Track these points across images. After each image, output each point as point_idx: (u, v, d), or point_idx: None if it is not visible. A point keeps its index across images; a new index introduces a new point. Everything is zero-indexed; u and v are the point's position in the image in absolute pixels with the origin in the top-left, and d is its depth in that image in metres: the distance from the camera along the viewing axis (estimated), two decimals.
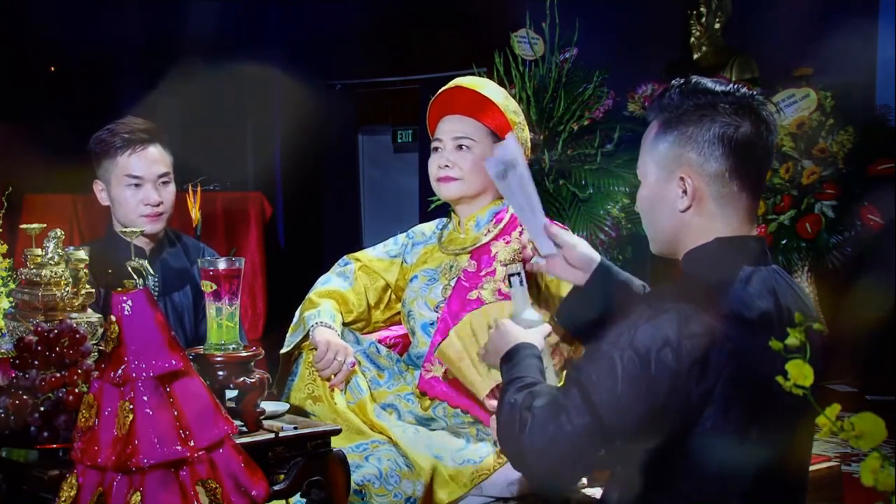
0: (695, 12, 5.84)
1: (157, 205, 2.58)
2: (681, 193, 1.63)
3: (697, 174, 1.62)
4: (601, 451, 1.54)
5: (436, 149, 2.46)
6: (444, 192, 2.45)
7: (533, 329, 1.88)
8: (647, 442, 1.55)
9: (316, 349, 2.30)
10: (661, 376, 1.49)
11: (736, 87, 1.66)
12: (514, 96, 3.91)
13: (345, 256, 2.58)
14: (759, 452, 1.53)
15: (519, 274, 1.98)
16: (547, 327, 1.92)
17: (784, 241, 4.84)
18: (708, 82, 1.66)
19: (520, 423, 1.57)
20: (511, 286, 1.99)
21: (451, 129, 2.43)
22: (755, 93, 1.66)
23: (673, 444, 1.53)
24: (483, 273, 2.38)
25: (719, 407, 1.51)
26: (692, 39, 5.86)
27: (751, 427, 1.53)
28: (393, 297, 2.55)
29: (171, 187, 2.62)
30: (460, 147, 2.41)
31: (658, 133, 1.67)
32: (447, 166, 2.41)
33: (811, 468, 2.43)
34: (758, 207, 1.67)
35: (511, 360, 1.78)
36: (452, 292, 2.39)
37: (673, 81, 1.69)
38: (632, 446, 1.57)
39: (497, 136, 2.41)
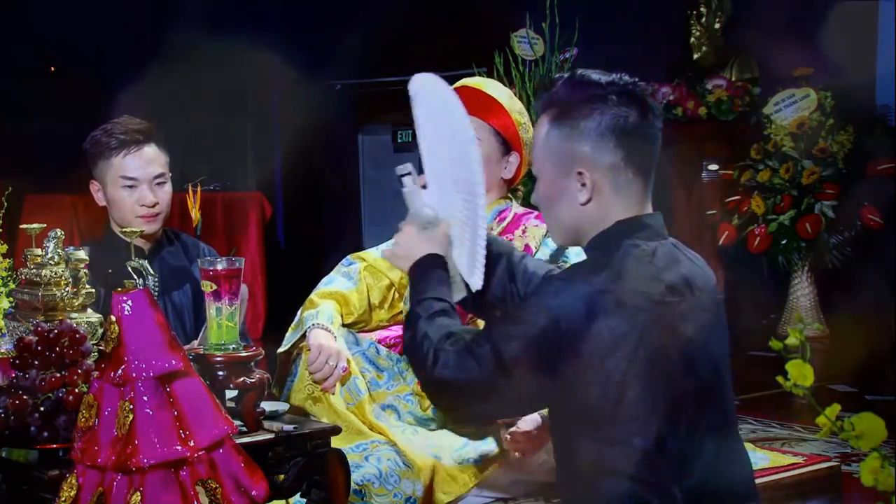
0: (695, 12, 5.84)
1: (153, 205, 2.57)
2: (580, 187, 1.67)
3: (594, 167, 1.66)
4: (506, 401, 1.64)
5: None
6: None
7: (435, 230, 1.86)
8: (557, 405, 1.64)
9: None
10: (571, 349, 1.55)
11: (619, 76, 1.69)
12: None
13: (349, 256, 2.58)
14: (677, 422, 1.58)
15: (410, 174, 1.93)
16: (446, 223, 1.88)
17: (784, 241, 4.85)
18: (593, 74, 1.70)
19: (432, 359, 1.64)
20: (404, 186, 1.94)
21: None
22: (637, 80, 1.70)
23: (594, 417, 1.58)
24: None
25: (632, 377, 1.55)
26: (692, 39, 5.86)
27: (664, 395, 1.57)
28: (396, 295, 2.55)
29: (168, 187, 2.61)
30: None
31: (549, 129, 1.70)
32: None
33: (811, 468, 2.45)
34: (651, 187, 1.72)
35: (418, 271, 1.81)
36: None
37: (556, 76, 1.75)
38: (551, 407, 1.68)
39: (502, 136, 2.42)
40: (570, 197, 1.68)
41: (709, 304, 1.66)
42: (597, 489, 1.60)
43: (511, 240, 2.41)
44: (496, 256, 1.87)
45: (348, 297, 2.47)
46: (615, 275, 1.58)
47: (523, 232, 2.40)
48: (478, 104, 2.42)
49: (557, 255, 2.35)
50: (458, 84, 2.48)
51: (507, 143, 2.43)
